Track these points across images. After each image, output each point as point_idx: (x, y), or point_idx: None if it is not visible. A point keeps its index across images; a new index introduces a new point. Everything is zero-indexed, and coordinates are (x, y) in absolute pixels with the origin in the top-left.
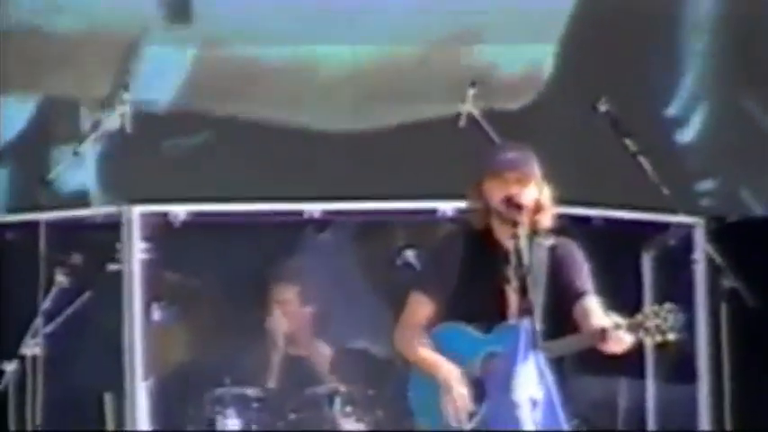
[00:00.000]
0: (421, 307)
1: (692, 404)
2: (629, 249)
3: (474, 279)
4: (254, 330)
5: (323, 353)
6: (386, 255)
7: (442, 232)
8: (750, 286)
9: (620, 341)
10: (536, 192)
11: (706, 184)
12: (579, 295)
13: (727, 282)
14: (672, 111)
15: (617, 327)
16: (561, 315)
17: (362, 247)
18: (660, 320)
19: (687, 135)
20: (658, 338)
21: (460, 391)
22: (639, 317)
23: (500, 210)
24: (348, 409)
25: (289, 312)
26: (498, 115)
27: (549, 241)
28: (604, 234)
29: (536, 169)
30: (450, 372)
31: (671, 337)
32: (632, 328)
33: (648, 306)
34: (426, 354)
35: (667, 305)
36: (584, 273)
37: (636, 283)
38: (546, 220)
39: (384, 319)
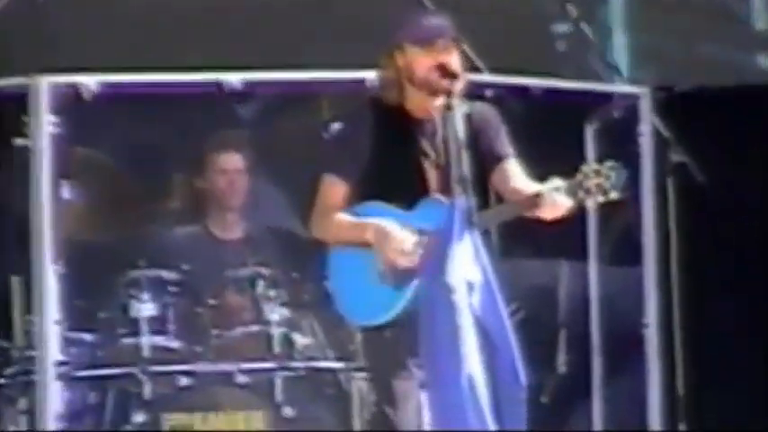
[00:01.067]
0: (334, 189)
1: (637, 288)
2: (569, 122)
3: (389, 155)
4: (170, 209)
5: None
6: (312, 128)
7: (354, 106)
8: (699, 161)
9: (557, 205)
10: (458, 59)
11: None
12: (498, 159)
13: (675, 156)
14: None
15: (554, 189)
16: (482, 185)
17: (287, 121)
18: (602, 179)
19: None
20: (600, 198)
21: (401, 235)
22: (579, 176)
23: (429, 79)
24: (271, 292)
25: (235, 181)
26: None
27: (463, 108)
28: (543, 106)
29: (457, 36)
30: (380, 223)
31: (614, 195)
32: (571, 190)
33: (588, 165)
34: (349, 221)
35: (609, 162)
36: (501, 135)
37: (577, 159)
38: (462, 88)
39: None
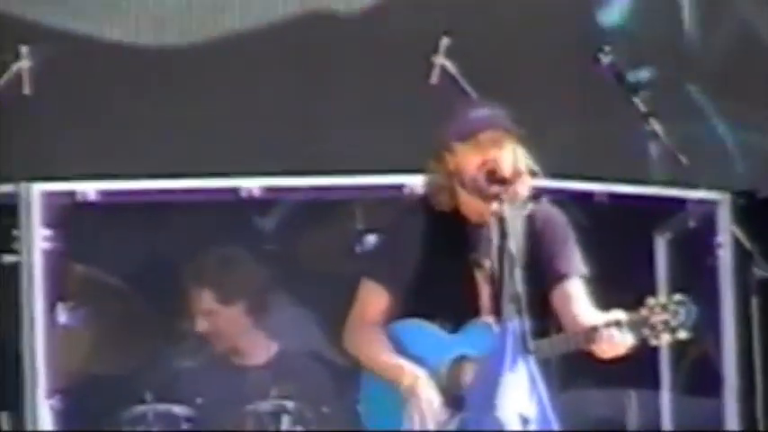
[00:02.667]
0: (374, 298)
1: (717, 419)
2: (639, 231)
3: (437, 265)
4: (180, 335)
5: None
6: (343, 240)
7: (400, 209)
8: None
9: (616, 342)
10: (513, 154)
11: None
12: (560, 277)
13: (759, 270)
14: None
15: (614, 324)
16: (540, 303)
17: (314, 232)
18: (668, 315)
19: None
20: (667, 337)
21: (429, 397)
22: (643, 311)
23: (476, 180)
24: (298, 429)
25: (216, 322)
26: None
27: (526, 210)
28: (609, 213)
29: (511, 127)
30: (415, 375)
31: (682, 335)
32: (634, 326)
33: (653, 298)
34: (385, 354)
35: (676, 296)
36: (567, 248)
37: (648, 273)
38: (524, 190)
39: (342, 319)
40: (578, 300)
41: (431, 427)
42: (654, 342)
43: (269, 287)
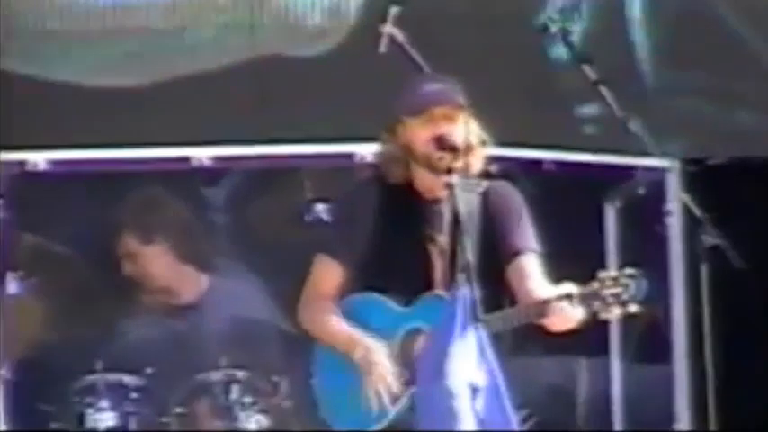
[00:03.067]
0: (328, 273)
1: (667, 389)
2: (588, 199)
3: (391, 239)
4: (131, 305)
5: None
6: (292, 210)
7: (353, 182)
8: (736, 243)
9: (567, 316)
10: (464, 128)
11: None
12: (515, 253)
13: (709, 238)
14: None
15: (564, 297)
16: (495, 278)
17: (264, 202)
18: (619, 288)
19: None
20: (617, 311)
21: (384, 365)
22: (594, 284)
23: (428, 154)
24: (248, 399)
25: (141, 263)
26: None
27: (480, 187)
28: (558, 181)
29: (463, 102)
30: (370, 347)
31: (632, 309)
32: (585, 299)
33: (604, 272)
34: (339, 327)
35: (627, 270)
36: (522, 224)
37: (597, 243)
38: (477, 163)
39: (292, 289)
40: (532, 275)
41: (386, 395)
42: (604, 315)
43: (193, 224)
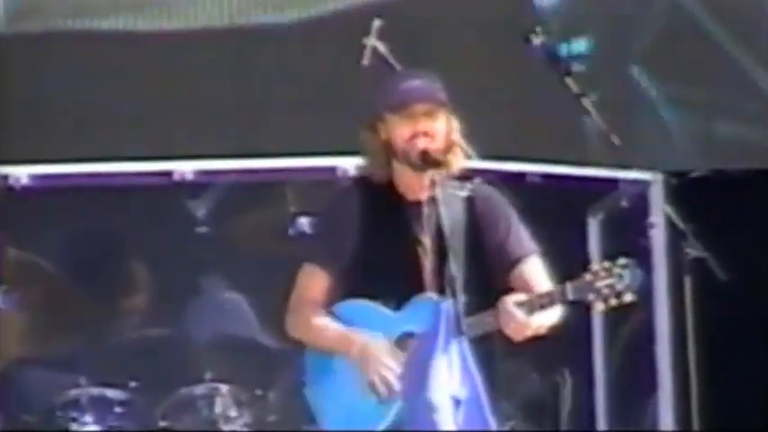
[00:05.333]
0: (314, 281)
1: (652, 403)
2: (572, 212)
3: (378, 243)
4: (114, 319)
5: None
6: (276, 223)
7: (336, 189)
8: (719, 255)
9: (518, 321)
10: (446, 126)
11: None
12: (515, 261)
13: (692, 250)
14: None
15: (515, 304)
16: (491, 286)
17: (247, 215)
18: (613, 279)
19: None
20: (613, 301)
21: (383, 354)
22: (587, 276)
23: (408, 152)
24: (232, 412)
25: None
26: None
27: (464, 191)
28: (542, 193)
29: (445, 98)
30: (365, 342)
31: (628, 298)
32: (578, 291)
33: (598, 263)
34: (331, 327)
35: (621, 260)
36: (513, 230)
37: (581, 255)
38: (457, 161)
39: (276, 303)
40: (537, 278)
41: (384, 388)
42: (600, 306)
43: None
